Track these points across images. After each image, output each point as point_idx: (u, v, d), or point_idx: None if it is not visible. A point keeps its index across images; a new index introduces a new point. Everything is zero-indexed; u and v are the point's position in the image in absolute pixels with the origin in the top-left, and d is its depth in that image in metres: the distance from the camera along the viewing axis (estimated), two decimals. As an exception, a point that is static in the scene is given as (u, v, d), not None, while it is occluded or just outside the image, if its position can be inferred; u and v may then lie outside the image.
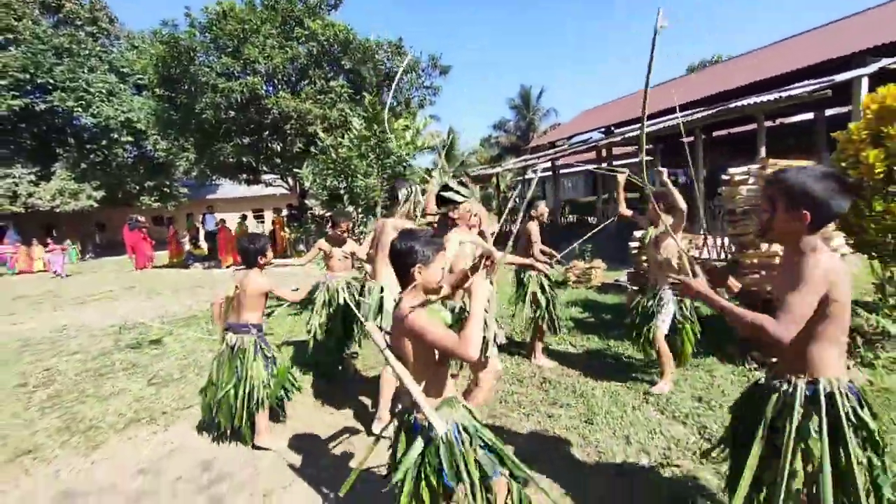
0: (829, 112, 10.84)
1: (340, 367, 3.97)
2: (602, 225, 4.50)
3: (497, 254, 1.70)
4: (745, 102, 7.89)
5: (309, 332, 3.82)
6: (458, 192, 2.53)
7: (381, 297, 3.16)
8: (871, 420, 1.34)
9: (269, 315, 3.35)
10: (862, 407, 1.36)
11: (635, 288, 4.99)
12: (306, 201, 13.28)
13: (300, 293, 3.11)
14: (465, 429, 1.56)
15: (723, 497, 2.10)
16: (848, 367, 1.46)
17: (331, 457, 2.77)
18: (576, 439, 2.77)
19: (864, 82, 7.11)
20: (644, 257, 4.44)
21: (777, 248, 3.50)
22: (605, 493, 2.27)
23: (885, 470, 1.30)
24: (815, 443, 1.35)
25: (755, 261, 3.76)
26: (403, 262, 1.56)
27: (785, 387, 1.48)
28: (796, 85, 7.87)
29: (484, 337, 2.61)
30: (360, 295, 3.45)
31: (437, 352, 1.54)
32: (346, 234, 3.88)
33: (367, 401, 3.45)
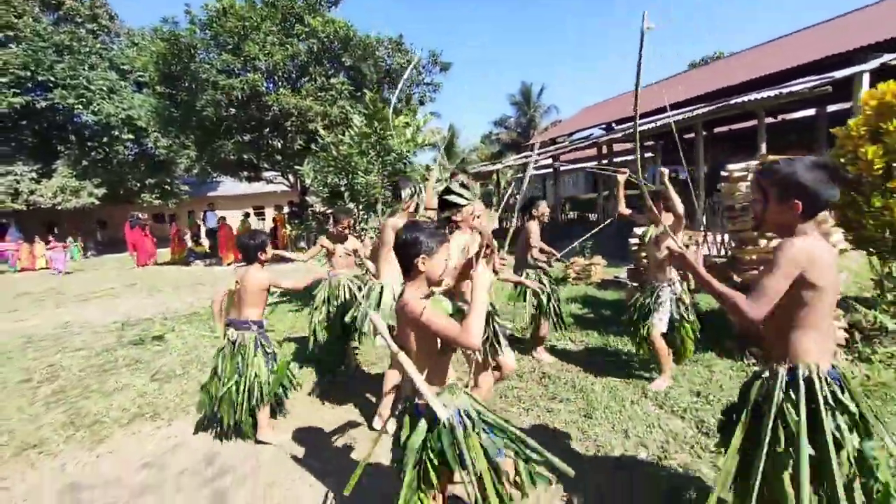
0: (830, 108, 10.81)
1: (342, 365, 4.00)
2: (602, 226, 4.52)
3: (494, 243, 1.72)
4: (745, 99, 7.88)
5: (310, 329, 3.85)
6: (460, 195, 2.54)
7: (381, 294, 3.17)
8: (852, 404, 1.36)
9: (270, 312, 3.37)
10: (843, 392, 1.38)
11: (635, 284, 5.02)
12: (307, 198, 13.29)
13: (302, 282, 3.15)
14: (467, 414, 1.59)
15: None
16: (836, 354, 1.48)
17: (332, 450, 2.80)
18: (575, 433, 2.80)
19: (865, 78, 7.09)
20: (644, 254, 4.46)
21: (777, 243, 3.53)
22: (605, 486, 2.30)
23: (874, 457, 1.31)
24: (794, 426, 1.37)
25: (754, 257, 3.78)
26: (408, 253, 1.58)
27: (766, 373, 1.52)
28: (797, 81, 7.85)
29: (495, 333, 2.65)
30: (360, 291, 3.47)
31: (438, 341, 1.57)
32: (347, 231, 3.89)
33: (368, 397, 3.48)
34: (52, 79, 15.52)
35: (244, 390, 2.78)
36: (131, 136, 17.08)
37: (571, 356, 4.10)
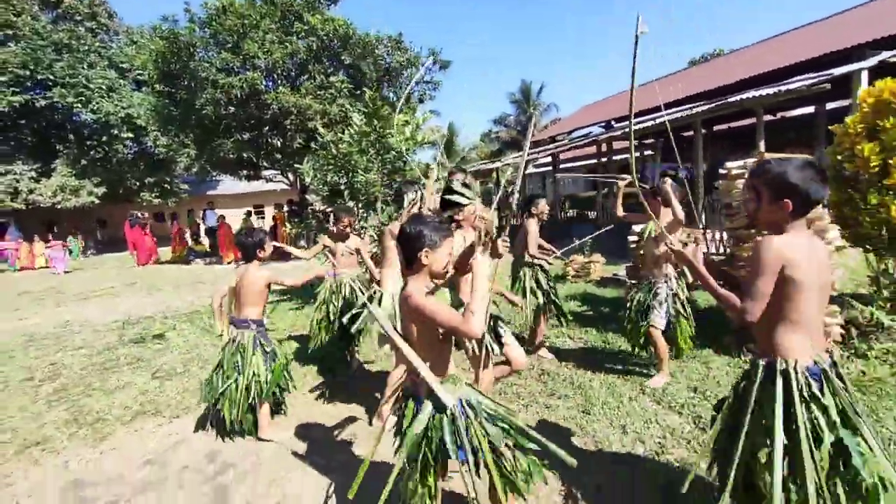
0: (830, 106, 10.81)
1: (343, 363, 4.02)
2: (602, 231, 4.55)
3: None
4: (744, 96, 7.89)
5: (311, 328, 3.86)
6: (462, 195, 2.56)
7: (381, 300, 3.18)
8: (831, 400, 1.40)
9: (272, 310, 3.39)
10: (824, 388, 1.42)
11: (634, 282, 5.04)
12: (307, 197, 13.31)
13: (301, 279, 3.16)
14: (469, 403, 1.61)
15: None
16: (828, 351, 1.51)
17: (333, 446, 2.82)
18: (573, 429, 2.82)
19: (864, 76, 7.10)
20: (642, 251, 4.48)
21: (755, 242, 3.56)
22: (604, 481, 2.32)
23: (861, 453, 1.34)
24: (768, 419, 1.43)
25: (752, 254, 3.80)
26: (412, 246, 1.60)
27: (749, 367, 1.58)
28: (796, 79, 7.85)
29: (496, 325, 2.67)
30: (363, 291, 3.48)
31: (440, 332, 1.59)
32: (348, 230, 3.88)
33: (369, 394, 3.50)
34: (51, 77, 15.51)
35: (243, 388, 2.80)
36: (131, 135, 17.07)
37: (570, 353, 4.12)
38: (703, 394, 3.09)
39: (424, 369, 1.56)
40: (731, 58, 15.35)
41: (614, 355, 4.01)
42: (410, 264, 1.63)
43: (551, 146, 14.51)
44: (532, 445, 1.64)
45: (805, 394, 1.41)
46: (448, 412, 1.55)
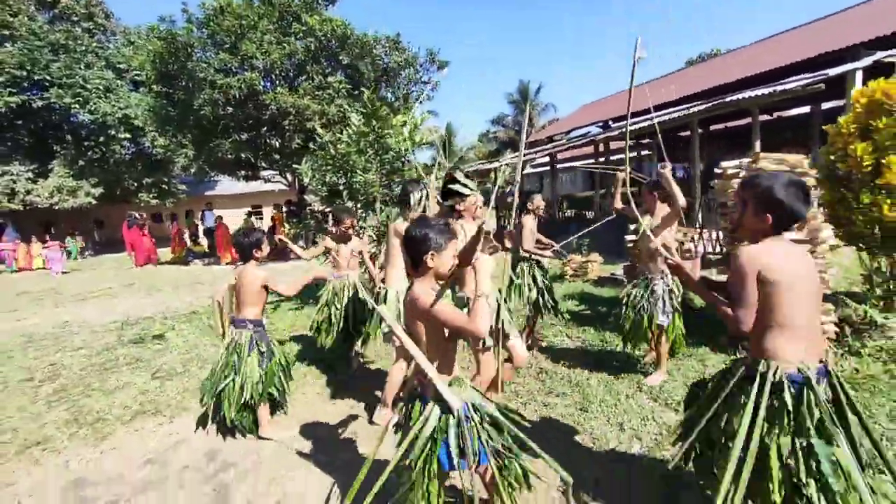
0: (825, 105, 10.88)
1: (344, 362, 4.03)
2: (600, 223, 4.57)
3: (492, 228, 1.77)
4: (739, 96, 7.93)
5: (312, 329, 3.85)
6: (464, 185, 2.59)
7: (386, 297, 3.19)
8: (804, 408, 1.45)
9: (272, 310, 3.38)
10: (801, 394, 1.47)
11: (634, 281, 5.07)
12: (305, 197, 13.30)
13: (294, 286, 3.04)
14: (474, 406, 1.64)
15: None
16: (822, 361, 1.54)
17: (334, 445, 2.85)
18: (571, 427, 2.85)
19: (859, 76, 7.15)
20: (638, 247, 4.51)
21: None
22: (603, 476, 2.35)
23: (833, 462, 1.38)
24: (737, 419, 1.52)
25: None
26: (417, 249, 1.62)
27: (733, 363, 1.66)
28: (791, 79, 7.90)
29: (501, 327, 2.69)
30: (365, 292, 3.47)
31: (446, 332, 1.61)
32: (350, 231, 3.86)
33: (369, 393, 3.52)
34: (48, 78, 15.44)
35: (240, 388, 2.81)
36: (128, 136, 17.02)
37: (568, 352, 4.15)
38: (699, 391, 3.12)
39: (432, 371, 1.57)
40: (728, 58, 15.42)
41: (612, 353, 4.04)
42: (416, 266, 1.65)
43: (549, 146, 14.55)
44: (535, 452, 1.68)
45: (776, 399, 1.48)
46: (455, 414, 1.56)
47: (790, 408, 1.45)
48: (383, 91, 13.37)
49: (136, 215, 13.67)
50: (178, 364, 4.40)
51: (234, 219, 16.00)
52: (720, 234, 6.53)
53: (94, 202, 17.00)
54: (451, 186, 2.60)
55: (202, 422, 3.14)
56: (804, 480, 1.39)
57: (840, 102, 9.63)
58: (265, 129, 12.67)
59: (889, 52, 7.26)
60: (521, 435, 1.69)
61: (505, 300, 2.64)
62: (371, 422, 3.07)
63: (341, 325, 3.73)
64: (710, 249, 6.63)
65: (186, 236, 15.37)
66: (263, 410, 2.93)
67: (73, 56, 16.08)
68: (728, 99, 8.15)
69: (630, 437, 2.70)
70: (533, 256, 4.14)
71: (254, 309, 2.91)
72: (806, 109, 11.55)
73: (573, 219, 13.47)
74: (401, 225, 3.04)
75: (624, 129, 11.13)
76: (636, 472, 2.39)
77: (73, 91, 15.56)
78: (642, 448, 2.58)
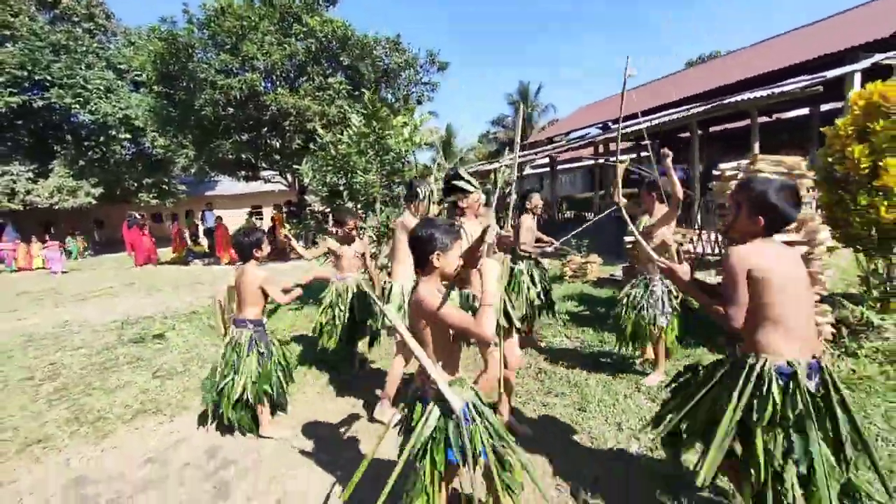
0: (823, 108, 10.92)
1: (345, 362, 4.04)
2: (601, 216, 4.59)
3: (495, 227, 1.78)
4: (738, 98, 7.97)
5: (314, 331, 3.85)
6: (469, 182, 2.61)
7: (391, 292, 3.20)
8: (780, 399, 1.51)
9: (271, 313, 3.37)
10: (788, 388, 1.53)
11: (632, 282, 5.08)
12: (305, 197, 13.32)
13: (288, 296, 2.96)
14: (475, 407, 1.65)
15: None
16: (815, 357, 1.58)
17: (334, 443, 2.86)
18: (570, 426, 2.87)
19: (857, 78, 7.18)
20: (636, 248, 4.53)
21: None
22: (602, 475, 2.37)
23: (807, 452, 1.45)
24: (724, 401, 1.61)
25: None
26: (423, 249, 1.62)
27: (726, 356, 1.75)
28: (790, 81, 7.94)
29: (505, 325, 2.71)
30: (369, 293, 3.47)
31: (451, 333, 1.62)
32: (354, 233, 3.84)
33: (370, 392, 3.53)
34: (49, 78, 15.47)
35: (238, 388, 2.82)
36: (128, 136, 17.04)
37: (567, 352, 4.17)
38: (697, 391, 3.14)
39: (434, 372, 1.58)
40: (728, 59, 15.46)
41: (610, 354, 4.05)
42: (422, 266, 1.66)
43: (549, 147, 14.58)
44: (523, 461, 1.70)
45: (762, 389, 1.55)
46: (457, 415, 1.57)
47: (776, 398, 1.50)
48: (383, 92, 13.39)
49: (137, 215, 13.69)
50: (179, 363, 4.42)
51: (234, 219, 16.01)
52: (718, 234, 6.55)
53: (94, 202, 17.02)
54: (454, 182, 2.61)
55: (203, 420, 3.15)
56: (783, 467, 1.46)
57: (839, 104, 9.67)
58: (266, 129, 12.69)
59: (887, 54, 7.30)
60: (513, 444, 1.71)
61: (506, 301, 2.66)
62: (372, 419, 3.09)
63: (344, 326, 3.73)
64: (708, 250, 6.66)
65: (187, 236, 15.38)
66: (263, 410, 2.94)
67: (74, 56, 16.11)
68: (727, 101, 8.18)
69: (628, 436, 2.71)
70: (532, 256, 4.15)
71: (254, 309, 2.92)
72: (805, 111, 11.58)
73: (573, 220, 13.50)
74: (409, 220, 3.05)
75: (624, 129, 11.17)
76: (635, 471, 2.40)
77: (73, 91, 15.59)
78: (640, 448, 2.60)
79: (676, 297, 3.36)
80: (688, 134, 9.54)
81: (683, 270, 1.76)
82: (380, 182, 5.27)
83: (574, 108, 25.35)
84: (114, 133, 16.59)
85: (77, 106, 15.77)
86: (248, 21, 11.34)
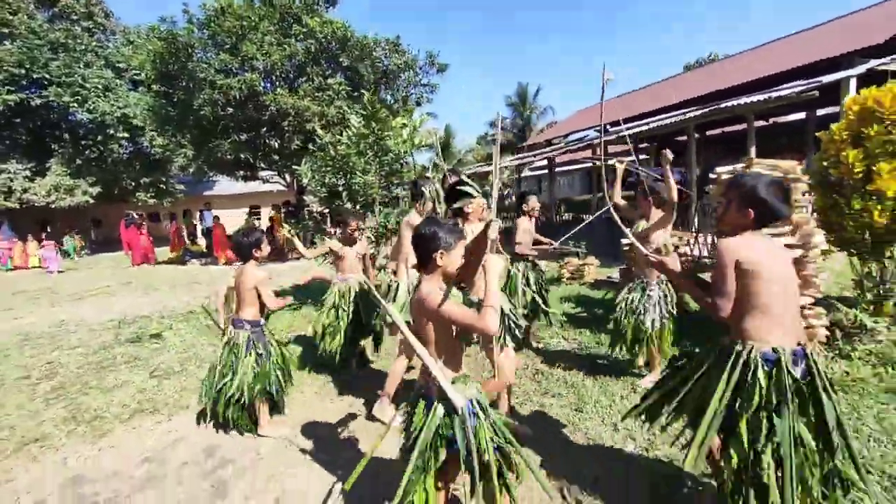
0: (820, 112, 11.00)
1: (344, 362, 4.04)
2: (597, 214, 4.60)
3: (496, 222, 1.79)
4: (735, 102, 8.02)
5: (314, 333, 3.83)
6: (474, 187, 2.62)
7: (398, 290, 3.21)
8: (766, 384, 1.57)
9: (270, 313, 3.36)
10: (773, 372, 1.58)
11: (629, 285, 5.10)
12: (304, 198, 13.32)
13: (279, 302, 2.95)
14: (479, 403, 1.66)
15: (708, 480, 2.23)
16: (800, 344, 1.64)
17: (331, 442, 2.87)
18: (567, 427, 2.89)
19: (853, 83, 7.25)
20: (633, 252, 4.55)
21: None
22: (602, 475, 2.39)
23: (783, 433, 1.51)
24: (719, 391, 1.66)
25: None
26: (426, 248, 1.64)
27: (711, 347, 1.82)
28: (786, 85, 8.00)
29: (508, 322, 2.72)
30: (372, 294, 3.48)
31: (454, 330, 1.63)
32: (356, 233, 3.82)
33: (370, 392, 3.53)
34: (47, 76, 15.44)
35: (236, 388, 2.83)
36: (126, 135, 17.01)
37: (564, 353, 4.19)
38: (693, 393, 3.16)
39: (437, 369, 1.59)
40: (726, 63, 15.55)
41: (607, 356, 4.07)
42: (425, 264, 1.67)
43: (547, 149, 14.63)
44: (525, 460, 1.71)
45: (747, 375, 1.60)
46: (460, 412, 1.58)
47: (762, 383, 1.56)
48: (383, 93, 13.42)
49: (135, 214, 13.65)
50: (176, 363, 4.42)
51: (232, 219, 15.99)
52: (715, 237, 6.59)
53: (91, 201, 16.98)
54: (459, 188, 2.62)
55: (200, 420, 3.16)
56: (762, 449, 1.52)
57: (835, 109, 9.75)
58: (265, 129, 12.70)
59: (883, 60, 7.37)
60: (515, 442, 1.72)
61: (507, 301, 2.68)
62: (371, 416, 3.09)
63: (347, 327, 3.72)
64: (705, 253, 6.69)
65: (185, 235, 15.35)
66: (262, 410, 2.95)
67: (73, 55, 16.08)
68: (724, 105, 8.24)
69: (624, 437, 2.73)
70: (529, 258, 4.17)
71: (251, 309, 2.92)
72: (801, 116, 11.67)
73: (571, 222, 13.55)
74: (414, 218, 3.06)
75: (622, 133, 11.22)
76: (634, 471, 2.42)
77: (71, 90, 15.56)
78: (636, 448, 2.62)
79: (673, 301, 3.38)
80: (685, 137, 9.59)
81: (674, 262, 1.81)
82: (378, 183, 5.29)
83: (574, 108, 25.43)
84: (112, 132, 16.55)
85: (75, 104, 15.75)
86: (247, 21, 11.35)
